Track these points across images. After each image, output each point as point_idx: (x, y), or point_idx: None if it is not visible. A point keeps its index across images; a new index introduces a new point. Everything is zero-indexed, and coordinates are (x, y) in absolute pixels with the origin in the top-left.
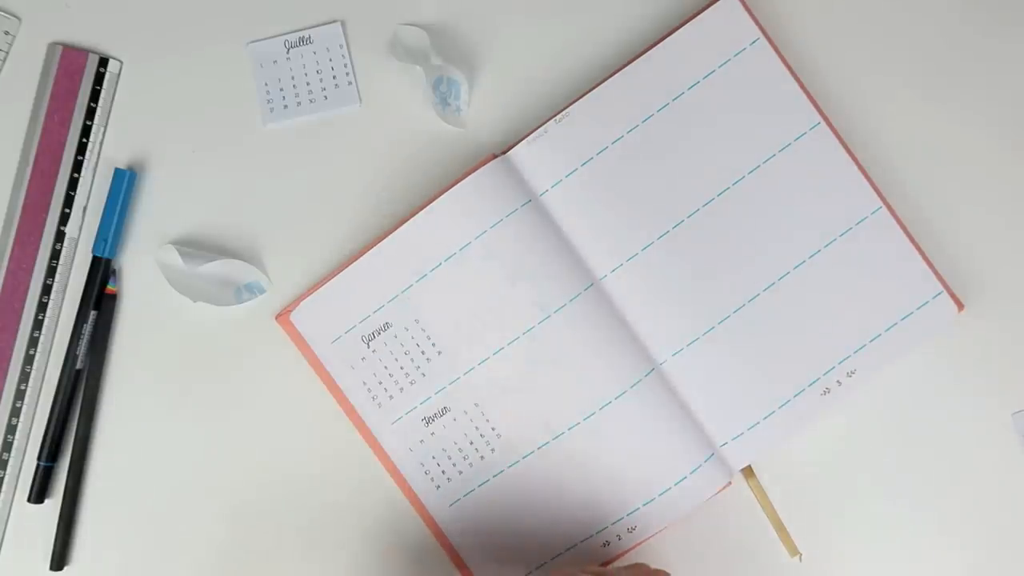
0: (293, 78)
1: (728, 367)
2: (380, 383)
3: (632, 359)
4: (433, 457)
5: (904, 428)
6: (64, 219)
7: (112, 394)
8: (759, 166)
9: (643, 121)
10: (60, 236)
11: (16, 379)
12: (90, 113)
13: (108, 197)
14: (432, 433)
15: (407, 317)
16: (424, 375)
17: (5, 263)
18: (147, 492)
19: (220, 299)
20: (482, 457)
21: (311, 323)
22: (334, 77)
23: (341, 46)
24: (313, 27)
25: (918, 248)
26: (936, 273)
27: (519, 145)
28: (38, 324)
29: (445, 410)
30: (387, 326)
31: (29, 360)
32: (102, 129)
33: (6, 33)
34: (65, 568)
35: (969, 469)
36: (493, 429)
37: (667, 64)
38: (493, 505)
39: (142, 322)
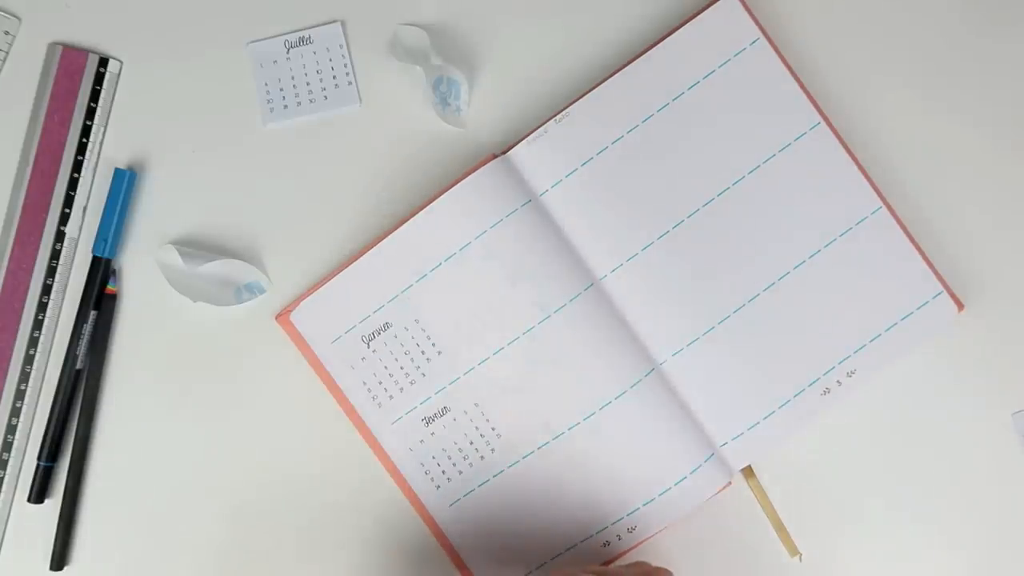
0: (293, 78)
1: (728, 367)
2: (380, 383)
3: (632, 359)
4: (433, 457)
5: (904, 428)
6: (64, 219)
7: (112, 394)
8: (759, 166)
9: (643, 121)
10: (60, 236)
11: (16, 379)
12: (90, 113)
13: (108, 197)
14: (432, 433)
15: (407, 317)
16: (424, 375)
17: (5, 263)
18: (147, 492)
19: (220, 299)
20: (482, 457)
21: (311, 323)
22: (334, 77)
23: (341, 46)
24: (313, 27)
25: (918, 248)
26: (936, 273)
27: (519, 145)
28: (38, 324)
29: (445, 410)
30: (387, 326)
31: (29, 360)
32: (102, 129)
33: (6, 33)
34: (65, 568)
35: (969, 469)
36: (493, 429)
37: (667, 64)
38: (493, 505)
39: (142, 322)
